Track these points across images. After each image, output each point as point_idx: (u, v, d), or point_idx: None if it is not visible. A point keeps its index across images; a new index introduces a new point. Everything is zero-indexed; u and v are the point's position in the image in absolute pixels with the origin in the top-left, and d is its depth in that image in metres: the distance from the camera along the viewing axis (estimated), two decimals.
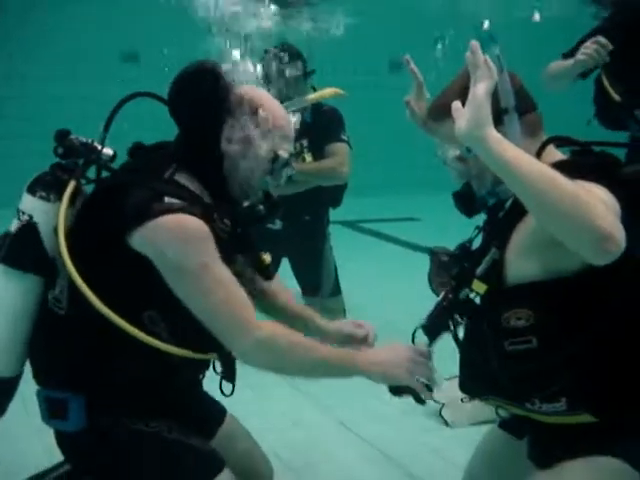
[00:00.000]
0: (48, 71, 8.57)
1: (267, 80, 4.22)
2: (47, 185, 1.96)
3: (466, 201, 1.96)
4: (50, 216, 1.93)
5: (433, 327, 1.99)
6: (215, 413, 2.23)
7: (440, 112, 1.87)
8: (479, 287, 1.85)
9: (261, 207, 2.03)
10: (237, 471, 2.06)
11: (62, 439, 2.02)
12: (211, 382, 2.11)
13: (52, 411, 1.96)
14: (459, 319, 1.94)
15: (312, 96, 3.90)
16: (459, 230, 2.13)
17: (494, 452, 2.23)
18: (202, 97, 1.95)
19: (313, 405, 3.60)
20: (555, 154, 1.89)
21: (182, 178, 1.95)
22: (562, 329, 1.77)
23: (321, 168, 4.21)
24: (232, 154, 1.97)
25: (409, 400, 1.97)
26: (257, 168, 2.00)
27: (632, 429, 1.85)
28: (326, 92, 3.80)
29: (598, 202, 1.56)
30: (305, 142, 4.25)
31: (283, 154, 2.02)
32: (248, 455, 2.25)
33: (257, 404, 3.44)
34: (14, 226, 1.96)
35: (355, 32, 8.38)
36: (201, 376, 2.15)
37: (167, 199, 1.84)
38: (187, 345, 1.91)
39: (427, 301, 2.02)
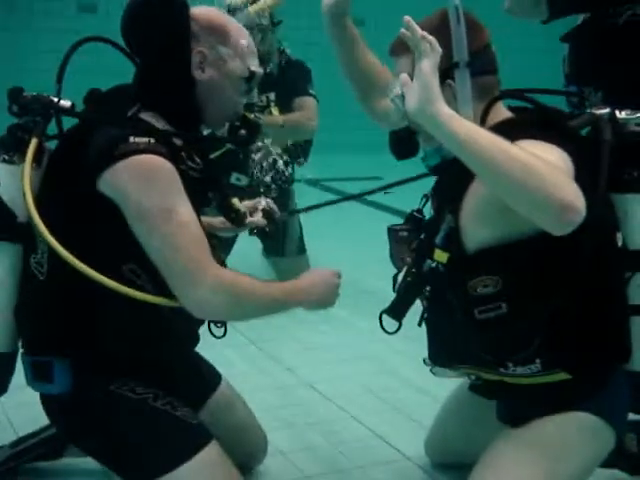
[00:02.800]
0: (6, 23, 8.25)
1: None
2: (8, 147, 1.89)
3: (400, 142, 1.91)
4: (18, 179, 1.85)
5: (398, 307, 1.94)
6: (208, 380, 2.18)
7: (400, 48, 1.82)
8: (441, 256, 1.81)
9: (242, 131, 1.99)
10: (229, 442, 2.03)
11: (47, 402, 1.98)
12: (210, 348, 2.04)
13: (37, 374, 1.92)
14: (425, 291, 1.90)
15: (256, 7, 3.83)
16: (423, 189, 2.07)
17: (462, 412, 2.23)
18: (165, 25, 1.88)
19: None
20: (502, 112, 1.85)
21: (147, 116, 1.88)
22: (531, 291, 1.74)
23: (289, 121, 4.11)
24: (207, 80, 1.91)
25: None
26: (235, 89, 1.95)
27: (606, 383, 1.86)
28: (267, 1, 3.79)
29: (555, 170, 1.52)
30: (272, 96, 4.16)
31: (257, 69, 1.98)
32: (241, 425, 2.22)
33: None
34: None
35: None
36: (196, 333, 2.07)
37: (132, 139, 1.76)
38: (171, 294, 1.84)
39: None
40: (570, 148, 1.68)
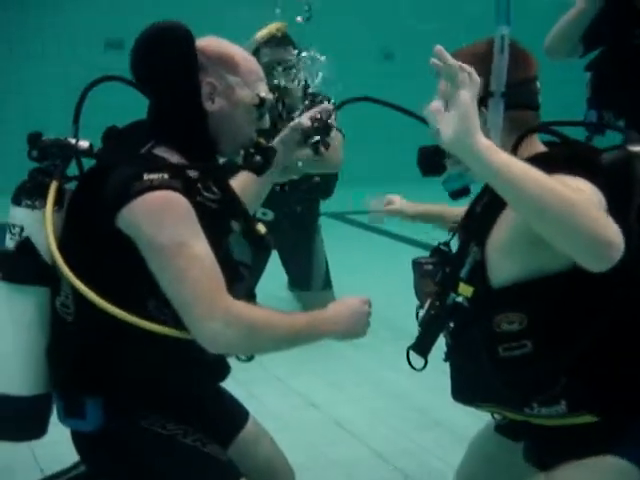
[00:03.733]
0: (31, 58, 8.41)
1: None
2: (30, 192, 1.90)
3: (427, 158, 1.89)
4: (41, 223, 1.86)
5: (423, 342, 1.89)
6: (237, 416, 2.16)
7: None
8: (465, 290, 1.78)
9: (258, 157, 1.98)
10: (257, 478, 2.02)
11: (78, 439, 1.97)
12: (237, 387, 2.04)
13: (69, 411, 1.91)
14: (449, 326, 1.85)
15: (262, 33, 3.86)
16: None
17: (488, 454, 2.18)
18: (172, 59, 1.88)
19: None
20: (535, 146, 1.83)
21: (161, 151, 1.89)
22: (557, 331, 1.70)
23: (314, 155, 4.10)
24: (218, 110, 1.91)
25: None
26: (247, 117, 1.95)
27: (635, 428, 1.79)
28: (272, 27, 3.81)
29: (593, 205, 1.50)
30: None
31: (267, 95, 1.98)
32: (269, 461, 2.18)
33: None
34: (8, 242, 1.90)
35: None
36: (225, 364, 2.04)
37: (146, 176, 1.77)
38: None
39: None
40: (601, 183, 1.65)
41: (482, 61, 1.73)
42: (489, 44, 1.77)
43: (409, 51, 9.40)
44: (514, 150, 1.78)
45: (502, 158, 1.53)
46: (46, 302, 1.92)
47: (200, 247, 1.78)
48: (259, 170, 2.01)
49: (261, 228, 2.09)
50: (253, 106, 1.95)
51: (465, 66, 1.57)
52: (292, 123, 2.26)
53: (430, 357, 1.89)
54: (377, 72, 9.30)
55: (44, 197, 1.87)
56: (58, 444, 2.12)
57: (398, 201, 2.51)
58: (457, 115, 1.54)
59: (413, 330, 1.91)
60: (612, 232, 1.47)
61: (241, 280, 1.93)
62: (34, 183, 1.91)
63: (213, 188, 1.90)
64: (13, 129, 6.04)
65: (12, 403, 1.90)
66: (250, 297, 1.96)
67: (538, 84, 1.86)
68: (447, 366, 1.95)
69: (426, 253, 2.07)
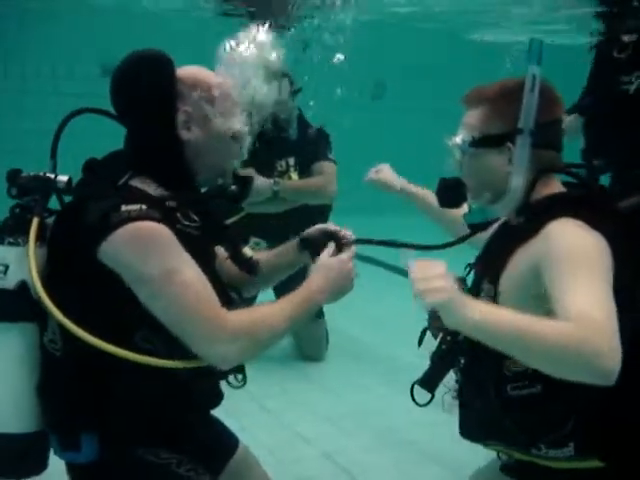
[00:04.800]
0: (27, 85, 8.42)
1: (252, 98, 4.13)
2: (12, 230, 1.89)
3: (447, 190, 1.92)
4: (25, 260, 1.84)
5: (431, 378, 1.89)
6: (227, 444, 2.14)
7: (470, 99, 1.88)
8: None
9: (233, 187, 1.98)
10: None
11: (73, 470, 1.95)
12: (228, 417, 2.04)
13: (64, 444, 1.90)
14: (459, 363, 1.85)
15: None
16: (441, 254, 2.02)
17: None
18: (150, 87, 1.88)
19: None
20: (553, 186, 1.83)
21: (138, 182, 1.88)
22: None
23: (308, 186, 4.13)
24: (193, 139, 1.91)
25: None
26: (222, 147, 1.95)
27: None
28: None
29: (590, 327, 1.50)
30: (292, 161, 4.19)
31: (243, 127, 1.98)
32: None
33: None
34: None
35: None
36: (217, 390, 2.03)
37: (124, 208, 1.76)
38: (187, 355, 1.81)
39: (410, 324, 1.94)
40: (612, 230, 1.67)
41: (511, 97, 1.76)
42: (519, 81, 1.79)
43: (401, 85, 9.51)
44: (530, 189, 1.79)
45: (487, 315, 1.57)
46: (34, 338, 1.89)
47: (190, 271, 1.78)
48: (232, 200, 2.00)
49: (247, 252, 2.10)
50: (229, 137, 1.95)
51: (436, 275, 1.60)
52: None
53: (422, 392, 1.87)
54: (369, 105, 9.37)
55: (27, 233, 1.85)
56: (54, 476, 2.08)
57: (387, 170, 2.49)
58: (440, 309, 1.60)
59: (406, 362, 1.89)
60: (609, 356, 1.48)
61: (230, 303, 1.92)
62: (15, 220, 1.90)
63: (192, 216, 1.90)
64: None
65: (7, 441, 1.88)
66: None
67: (563, 126, 1.88)
68: (441, 402, 1.93)
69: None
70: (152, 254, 1.75)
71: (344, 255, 1.98)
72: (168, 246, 1.77)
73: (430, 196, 2.24)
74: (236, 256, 2.08)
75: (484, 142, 1.83)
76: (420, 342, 1.95)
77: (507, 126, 1.77)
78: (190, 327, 1.77)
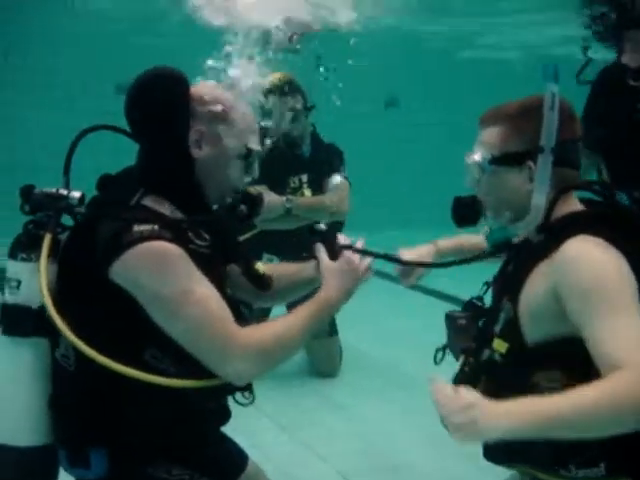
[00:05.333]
0: (43, 102, 8.49)
1: (266, 114, 4.15)
2: (25, 246, 1.90)
3: (462, 209, 1.91)
4: (37, 276, 1.85)
5: None
6: (237, 460, 2.13)
7: (488, 118, 1.87)
8: (500, 346, 1.76)
9: (242, 207, 1.98)
10: None
11: None
12: (239, 434, 2.03)
13: (74, 460, 1.90)
14: (483, 383, 1.81)
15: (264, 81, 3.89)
16: (456, 269, 2.03)
17: None
18: (163, 104, 1.90)
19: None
20: (572, 204, 1.82)
21: (150, 201, 1.89)
22: None
23: (321, 203, 4.12)
24: (205, 158, 1.92)
25: None
26: (232, 165, 1.95)
27: None
28: (276, 76, 3.85)
29: (623, 379, 1.50)
30: (305, 177, 4.20)
31: (255, 147, 1.98)
32: None
33: None
34: (7, 296, 1.90)
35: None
36: (225, 408, 2.02)
37: (136, 227, 1.77)
38: (196, 374, 1.82)
39: (423, 340, 1.92)
40: (633, 246, 1.66)
41: (530, 115, 1.76)
42: (537, 99, 1.79)
43: (414, 99, 9.53)
44: (551, 207, 1.78)
45: (518, 418, 1.53)
46: (47, 353, 1.90)
47: (202, 289, 1.79)
48: (242, 220, 2.00)
49: (260, 267, 2.10)
50: (240, 156, 1.95)
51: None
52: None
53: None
54: (382, 118, 9.39)
55: (39, 249, 1.86)
56: None
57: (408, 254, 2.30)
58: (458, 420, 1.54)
59: (421, 379, 1.88)
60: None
61: (242, 320, 1.91)
62: (29, 236, 1.90)
63: (203, 235, 1.91)
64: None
65: (18, 455, 1.89)
66: None
67: (581, 144, 1.87)
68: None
69: (434, 299, 2.05)
70: (165, 274, 1.76)
71: (349, 258, 1.97)
72: (181, 266, 1.78)
73: (462, 241, 2.22)
74: (249, 272, 2.09)
75: (504, 160, 1.82)
76: (436, 360, 1.94)
77: (527, 144, 1.76)
78: (205, 345, 1.78)
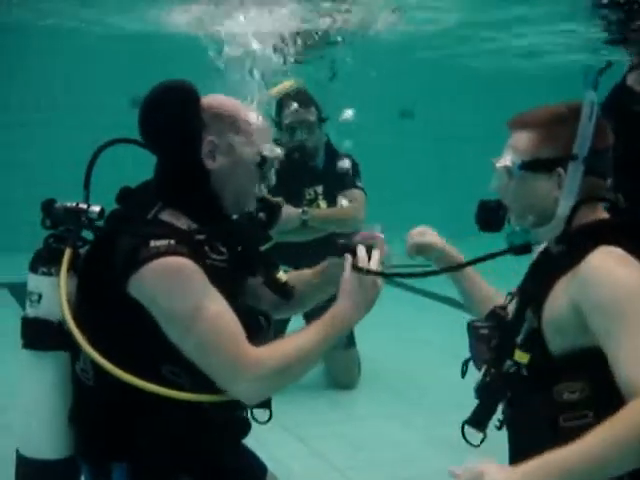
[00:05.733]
0: (57, 118, 8.54)
1: (280, 125, 4.17)
2: (46, 260, 1.92)
3: (487, 213, 1.89)
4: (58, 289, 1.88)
5: (481, 416, 1.82)
6: (257, 472, 2.12)
7: (519, 123, 1.85)
8: (522, 357, 1.74)
9: (261, 214, 1.99)
10: None
11: None
12: (258, 447, 2.02)
13: (95, 475, 1.91)
14: (506, 394, 1.79)
15: (275, 89, 3.87)
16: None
17: None
18: (175, 118, 1.90)
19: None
20: (596, 213, 1.80)
21: (167, 215, 1.89)
22: (620, 400, 1.60)
23: (337, 214, 4.12)
24: (219, 169, 1.92)
25: None
26: (249, 175, 1.95)
27: None
28: (286, 85, 3.83)
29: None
30: (320, 189, 4.20)
31: (269, 154, 1.97)
32: None
33: None
34: (28, 309, 1.92)
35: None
36: (244, 421, 2.02)
37: (152, 243, 1.78)
38: (213, 388, 1.83)
39: (444, 350, 1.89)
40: None
41: (564, 122, 1.75)
42: (571, 106, 1.79)
43: (429, 108, 9.51)
44: (571, 216, 1.76)
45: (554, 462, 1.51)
46: (67, 367, 1.92)
47: (215, 306, 1.79)
48: (264, 227, 2.01)
49: (282, 277, 2.09)
50: (255, 164, 1.95)
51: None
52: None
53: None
54: (395, 129, 9.38)
55: (60, 263, 1.88)
56: None
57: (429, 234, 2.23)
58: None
59: (437, 390, 1.86)
60: None
61: (261, 331, 1.92)
62: (49, 250, 1.92)
63: (221, 249, 1.90)
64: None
65: (41, 467, 1.90)
66: None
67: (611, 154, 1.85)
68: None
69: (453, 309, 2.03)
70: (179, 291, 1.76)
71: (372, 276, 1.90)
72: (195, 281, 1.78)
73: (477, 278, 2.15)
74: (270, 282, 2.08)
75: (535, 166, 1.80)
76: (463, 374, 1.91)
77: (559, 151, 1.75)
78: (215, 364, 1.79)
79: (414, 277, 1.92)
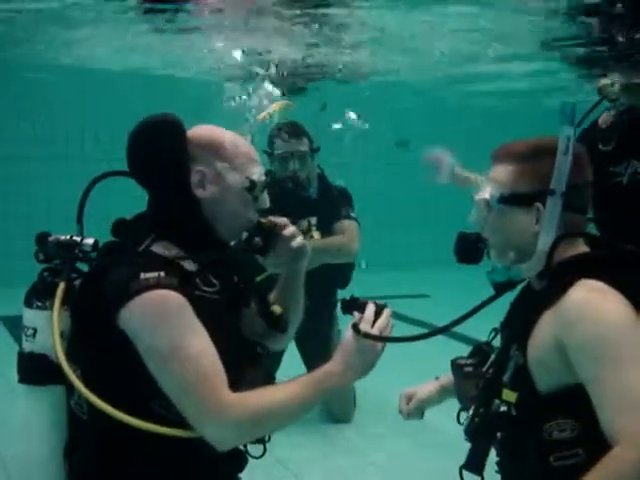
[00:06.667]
0: (49, 151, 8.55)
1: (272, 157, 4.18)
2: (40, 294, 1.91)
3: (466, 245, 1.88)
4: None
5: (475, 459, 1.78)
6: None
7: (499, 155, 1.85)
8: (509, 396, 1.72)
9: (257, 239, 1.97)
10: None
11: None
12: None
13: None
14: (497, 435, 1.76)
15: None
16: (469, 308, 1.98)
17: None
18: (162, 151, 1.91)
19: None
20: (576, 248, 1.79)
21: (159, 247, 1.89)
22: None
23: (331, 245, 4.12)
24: (210, 197, 1.92)
25: None
26: (240, 201, 1.95)
27: None
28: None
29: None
30: (313, 220, 4.20)
31: (258, 178, 1.97)
32: None
33: None
34: (24, 344, 1.91)
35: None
36: (239, 456, 1.98)
37: (142, 275, 1.77)
38: None
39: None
40: (637, 289, 1.64)
41: (543, 156, 1.75)
42: (551, 141, 1.78)
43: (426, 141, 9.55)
44: (551, 251, 1.75)
45: None
46: (63, 401, 1.90)
47: (196, 346, 1.77)
48: (258, 252, 1.99)
49: (277, 309, 2.08)
50: (244, 189, 1.95)
51: None
52: None
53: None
54: (392, 159, 9.42)
55: (55, 297, 1.87)
56: None
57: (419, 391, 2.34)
58: None
59: (435, 425, 1.84)
60: None
61: (258, 362, 1.91)
62: (44, 284, 1.91)
63: (212, 280, 1.89)
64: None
65: None
66: (268, 381, 1.91)
67: (590, 190, 1.84)
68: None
69: (449, 340, 2.00)
70: (162, 326, 1.76)
71: (375, 339, 1.84)
72: (178, 317, 1.77)
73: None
74: (264, 313, 2.07)
75: (513, 200, 1.79)
76: (459, 421, 1.87)
77: (537, 186, 1.74)
78: (185, 403, 1.77)
79: (413, 341, 1.87)
